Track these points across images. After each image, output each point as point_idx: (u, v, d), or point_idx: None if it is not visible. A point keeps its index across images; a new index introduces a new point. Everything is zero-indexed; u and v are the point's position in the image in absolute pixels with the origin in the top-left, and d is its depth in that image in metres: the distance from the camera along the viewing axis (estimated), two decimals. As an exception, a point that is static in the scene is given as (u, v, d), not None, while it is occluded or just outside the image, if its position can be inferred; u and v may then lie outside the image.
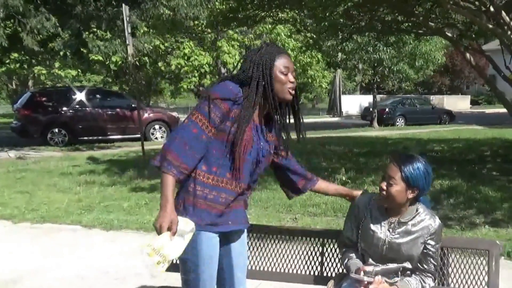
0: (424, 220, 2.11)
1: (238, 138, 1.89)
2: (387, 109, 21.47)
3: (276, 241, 2.66)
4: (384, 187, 2.07)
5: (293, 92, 2.01)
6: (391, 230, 2.13)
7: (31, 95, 14.58)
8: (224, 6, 8.93)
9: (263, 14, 8.68)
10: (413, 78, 23.55)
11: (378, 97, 31.81)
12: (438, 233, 2.12)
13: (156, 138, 14.96)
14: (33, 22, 9.59)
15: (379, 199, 2.15)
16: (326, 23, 8.78)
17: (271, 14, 9.10)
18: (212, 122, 1.88)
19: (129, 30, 8.84)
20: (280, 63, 1.96)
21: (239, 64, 2.02)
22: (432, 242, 2.12)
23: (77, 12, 10.25)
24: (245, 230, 2.17)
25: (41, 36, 9.90)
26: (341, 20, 8.81)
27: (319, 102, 40.53)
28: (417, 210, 2.12)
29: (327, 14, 7.93)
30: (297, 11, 9.15)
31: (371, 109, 20.84)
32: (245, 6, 8.60)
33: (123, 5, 8.69)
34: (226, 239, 2.07)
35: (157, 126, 15.14)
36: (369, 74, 23.72)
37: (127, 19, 8.71)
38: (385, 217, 2.15)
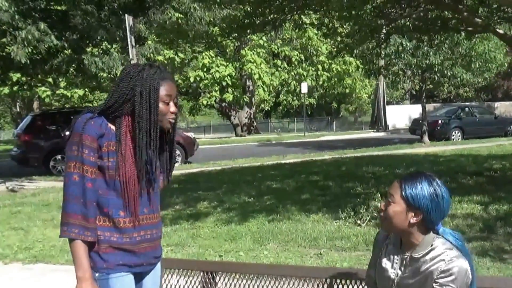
0: (437, 256, 1.96)
1: (122, 174, 1.99)
2: (440, 121, 20.97)
3: (277, 282, 2.64)
4: (382, 207, 2.00)
5: (173, 121, 2.13)
6: (402, 268, 2.04)
7: (32, 118, 14.91)
8: (238, 12, 9.03)
9: (282, 18, 8.76)
10: (471, 82, 23.03)
11: (431, 106, 31.44)
12: (451, 273, 1.90)
13: (171, 162, 14.96)
14: (23, 33, 9.85)
15: (380, 224, 2.09)
16: (355, 26, 8.75)
17: (292, 18, 9.16)
18: (89, 163, 1.95)
19: (133, 43, 9.07)
20: (163, 91, 2.05)
21: (111, 92, 2.08)
22: (442, 282, 1.92)
23: (75, 23, 10.46)
24: (158, 262, 2.25)
25: (31, 48, 10.18)
26: (374, 20, 8.77)
27: (362, 115, 40.23)
28: (432, 245, 1.98)
29: (353, 12, 7.89)
30: (323, 13, 9.16)
31: (420, 121, 20.42)
32: (262, 11, 8.67)
33: (126, 15, 8.93)
34: (139, 277, 2.15)
35: (171, 150, 15.07)
36: (417, 80, 23.33)
37: (131, 30, 8.94)
38: (399, 252, 2.07)
